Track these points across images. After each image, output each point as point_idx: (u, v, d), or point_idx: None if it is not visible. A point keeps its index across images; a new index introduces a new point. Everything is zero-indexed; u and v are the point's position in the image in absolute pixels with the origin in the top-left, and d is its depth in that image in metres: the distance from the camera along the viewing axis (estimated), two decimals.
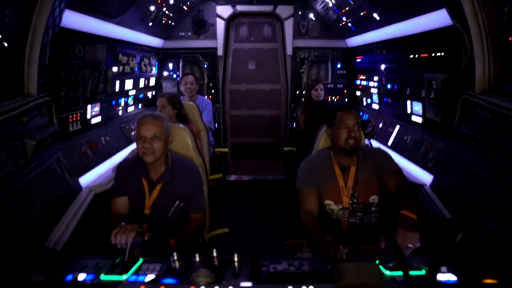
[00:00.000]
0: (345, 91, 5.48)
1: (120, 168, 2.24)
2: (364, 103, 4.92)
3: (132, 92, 4.22)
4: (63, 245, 2.01)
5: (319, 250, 1.72)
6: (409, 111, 3.42)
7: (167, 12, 4.43)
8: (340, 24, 4.85)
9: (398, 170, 2.15)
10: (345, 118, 2.13)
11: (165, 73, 5.40)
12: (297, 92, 5.50)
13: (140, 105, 4.54)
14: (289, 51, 5.41)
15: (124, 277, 1.48)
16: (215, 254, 1.48)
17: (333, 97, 5.42)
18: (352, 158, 2.18)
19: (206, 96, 5.11)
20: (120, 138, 3.64)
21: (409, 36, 3.27)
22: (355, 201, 2.13)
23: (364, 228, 2.12)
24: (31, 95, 2.22)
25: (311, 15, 5.32)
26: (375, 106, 4.47)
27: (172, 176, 2.12)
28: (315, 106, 3.98)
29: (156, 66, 5.16)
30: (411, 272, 1.47)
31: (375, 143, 3.85)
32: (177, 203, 2.12)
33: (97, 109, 3.30)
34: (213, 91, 5.51)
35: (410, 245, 1.59)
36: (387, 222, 2.16)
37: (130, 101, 4.19)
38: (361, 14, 3.88)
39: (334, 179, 2.17)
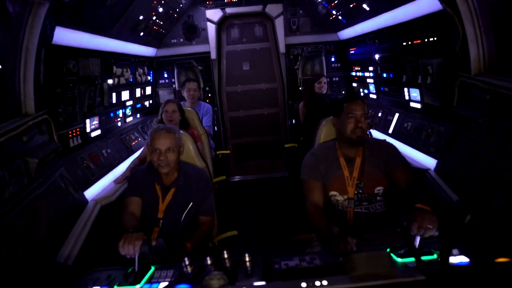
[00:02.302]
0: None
1: (133, 173, 2.35)
2: (362, 94, 4.92)
3: (129, 103, 4.23)
4: (74, 259, 2.02)
5: (328, 244, 1.72)
6: (407, 98, 3.42)
7: (157, 20, 4.44)
8: (331, 18, 4.86)
9: (406, 163, 2.17)
10: (353, 108, 2.13)
11: (161, 81, 5.41)
12: (294, 89, 5.50)
13: (138, 115, 4.54)
14: (282, 49, 5.42)
15: (137, 286, 1.48)
16: (226, 255, 1.48)
17: (332, 91, 5.42)
18: (357, 149, 2.19)
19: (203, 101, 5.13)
20: (121, 149, 3.65)
21: (400, 24, 3.26)
22: (360, 191, 2.13)
23: (370, 218, 2.12)
24: (29, 114, 2.23)
25: (301, 11, 5.33)
26: (373, 96, 4.47)
27: (185, 181, 2.22)
28: (313, 100, 3.99)
29: (151, 75, 5.16)
30: (423, 257, 1.47)
31: (374, 133, 3.85)
32: (190, 204, 2.21)
33: (96, 122, 3.31)
34: (209, 95, 5.52)
35: (430, 226, 1.54)
36: (393, 210, 2.16)
37: (128, 111, 4.20)
38: (351, 6, 3.88)
39: (339, 170, 2.17)
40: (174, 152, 2.13)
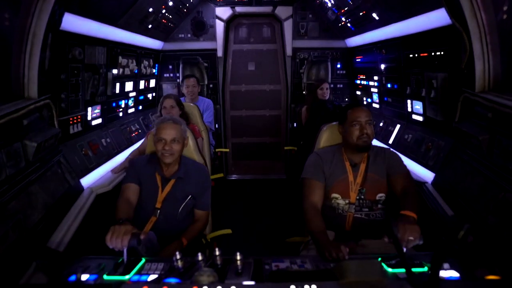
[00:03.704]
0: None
1: (133, 161, 2.37)
2: (365, 103, 4.92)
3: (132, 94, 4.23)
4: (66, 246, 2.01)
5: (321, 248, 1.72)
6: (409, 110, 3.42)
7: (166, 14, 4.44)
8: (339, 24, 4.86)
9: (407, 172, 2.19)
10: (357, 115, 2.15)
11: (165, 75, 5.41)
12: (297, 92, 5.51)
13: (140, 107, 4.54)
14: (288, 51, 5.42)
15: (127, 277, 1.48)
16: (217, 253, 1.49)
17: (334, 97, 5.43)
18: (362, 155, 2.20)
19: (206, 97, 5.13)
20: (121, 139, 3.65)
21: (408, 35, 3.27)
22: (362, 197, 2.15)
23: (368, 224, 2.13)
24: (31, 98, 2.23)
25: (310, 16, 5.34)
26: (376, 106, 4.47)
27: (185, 174, 2.25)
28: (315, 105, 4.00)
29: (156, 68, 5.17)
30: (414, 269, 1.47)
31: (375, 142, 3.85)
32: (189, 197, 2.24)
33: (97, 111, 3.31)
34: (213, 92, 5.52)
35: (411, 238, 1.60)
36: (389, 219, 2.17)
37: (131, 103, 4.20)
38: (360, 14, 3.89)
39: (344, 174, 2.18)
40: (179, 143, 2.19)
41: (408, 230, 1.62)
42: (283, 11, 5.32)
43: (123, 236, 1.62)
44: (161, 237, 1.96)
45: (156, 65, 5.16)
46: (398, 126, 3.66)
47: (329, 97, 4.47)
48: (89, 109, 3.15)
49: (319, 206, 2.12)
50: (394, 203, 2.18)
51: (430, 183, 2.65)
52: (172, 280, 1.44)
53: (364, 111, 2.17)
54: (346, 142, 2.22)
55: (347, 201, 2.15)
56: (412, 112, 3.37)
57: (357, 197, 2.15)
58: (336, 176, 2.19)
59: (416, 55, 3.18)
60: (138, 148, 3.40)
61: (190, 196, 2.23)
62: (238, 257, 1.44)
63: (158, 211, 2.19)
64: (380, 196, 2.16)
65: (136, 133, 4.05)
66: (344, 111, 2.24)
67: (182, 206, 2.22)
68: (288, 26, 5.35)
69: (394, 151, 2.32)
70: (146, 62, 4.61)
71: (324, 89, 4.40)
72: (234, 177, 5.96)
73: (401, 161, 2.23)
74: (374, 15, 3.58)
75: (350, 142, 2.17)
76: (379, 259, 1.55)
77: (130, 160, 3.05)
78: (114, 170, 3.08)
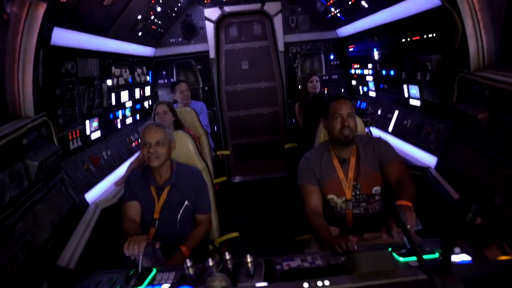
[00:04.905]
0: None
1: (129, 178, 2.36)
2: (361, 92, 4.91)
3: (129, 104, 4.22)
4: (76, 263, 2.01)
5: (328, 244, 1.72)
6: (406, 95, 3.41)
7: (155, 20, 4.43)
8: (329, 15, 4.84)
9: (399, 160, 2.14)
10: (337, 108, 2.13)
11: (160, 81, 5.40)
12: (293, 87, 5.50)
13: (138, 116, 4.53)
14: (280, 47, 5.41)
15: None
16: (228, 257, 1.48)
17: (329, 89, 5.41)
18: (351, 149, 2.17)
19: (202, 100, 5.13)
20: (121, 151, 3.64)
21: (399, 20, 3.26)
22: (357, 192, 2.13)
23: (369, 218, 2.12)
24: (28, 117, 2.22)
25: (299, 9, 5.33)
26: (372, 94, 4.46)
27: (178, 179, 2.24)
28: (310, 99, 3.99)
29: (150, 75, 5.15)
30: (425, 256, 1.47)
31: (374, 131, 3.85)
32: (186, 203, 2.23)
33: (95, 124, 3.30)
34: (209, 94, 5.51)
35: (408, 226, 1.58)
36: (391, 209, 2.16)
37: (128, 112, 4.19)
38: (349, 3, 3.87)
39: (334, 173, 2.16)
40: (164, 145, 2.18)
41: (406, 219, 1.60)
42: (271, 7, 5.30)
43: (140, 243, 1.65)
44: (164, 246, 1.94)
45: (150, 72, 5.14)
46: (396, 112, 3.65)
47: (320, 89, 4.45)
48: (87, 122, 3.14)
49: (319, 209, 2.12)
50: (393, 193, 2.17)
51: (433, 167, 2.64)
52: None
53: (346, 103, 2.14)
54: (330, 136, 2.21)
55: (343, 199, 2.14)
56: (409, 97, 3.36)
57: (353, 193, 2.13)
58: (327, 176, 2.17)
59: (409, 39, 3.16)
60: (137, 159, 3.37)
61: (187, 201, 2.23)
62: (249, 259, 1.43)
63: (157, 222, 2.19)
64: (376, 189, 2.13)
65: (136, 142, 4.04)
66: (326, 105, 2.21)
67: (181, 212, 2.21)
68: (278, 22, 5.33)
69: (385, 139, 2.28)
70: (139, 70, 4.59)
71: (314, 82, 4.39)
72: (237, 179, 5.95)
73: (392, 149, 2.19)
74: (363, 2, 3.56)
75: (333, 136, 2.15)
76: (390, 249, 1.55)
77: (130, 172, 3.04)
78: (117, 183, 3.08)
